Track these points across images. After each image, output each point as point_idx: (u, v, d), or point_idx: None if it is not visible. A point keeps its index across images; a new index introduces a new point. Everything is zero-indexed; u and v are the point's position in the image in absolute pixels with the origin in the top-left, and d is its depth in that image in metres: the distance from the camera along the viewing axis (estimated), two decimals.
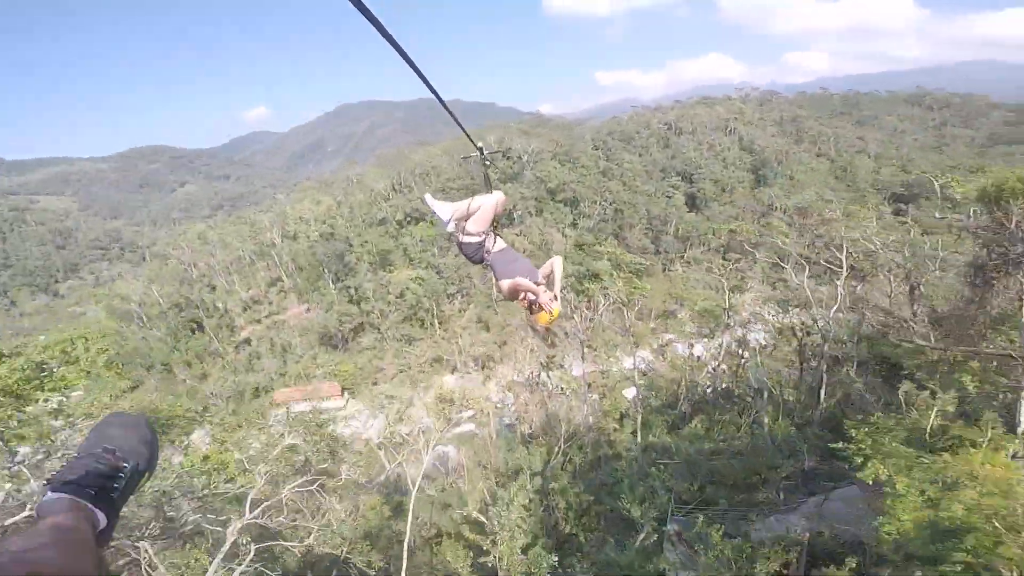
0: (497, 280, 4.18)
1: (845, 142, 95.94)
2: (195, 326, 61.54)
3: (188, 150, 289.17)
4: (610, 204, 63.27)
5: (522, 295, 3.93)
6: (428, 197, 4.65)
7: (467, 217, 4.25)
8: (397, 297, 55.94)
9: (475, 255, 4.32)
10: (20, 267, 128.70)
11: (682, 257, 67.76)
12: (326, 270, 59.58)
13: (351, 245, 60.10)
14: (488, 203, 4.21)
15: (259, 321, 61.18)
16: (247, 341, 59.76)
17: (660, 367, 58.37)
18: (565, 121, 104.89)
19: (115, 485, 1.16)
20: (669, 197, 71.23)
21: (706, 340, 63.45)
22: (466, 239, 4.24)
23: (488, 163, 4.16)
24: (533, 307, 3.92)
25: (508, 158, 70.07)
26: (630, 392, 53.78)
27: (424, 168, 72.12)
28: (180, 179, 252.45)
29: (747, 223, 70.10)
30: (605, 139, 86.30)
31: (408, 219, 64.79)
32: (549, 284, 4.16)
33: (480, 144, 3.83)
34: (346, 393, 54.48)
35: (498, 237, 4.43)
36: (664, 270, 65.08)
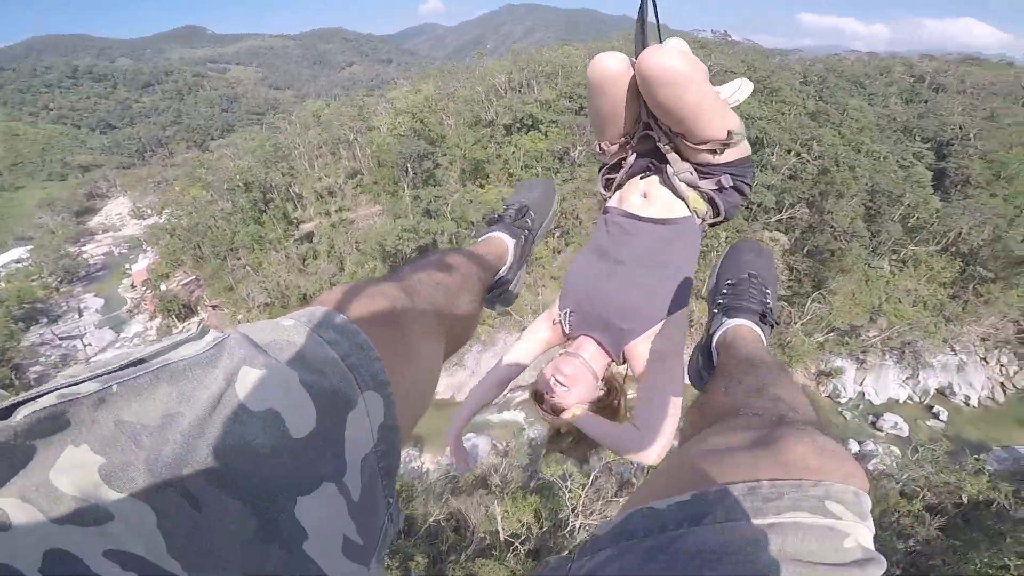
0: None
1: None
2: (264, 208, 54.47)
3: (360, 34, 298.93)
4: (815, 158, 42.02)
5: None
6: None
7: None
8: (482, 219, 42.53)
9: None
10: (185, 124, 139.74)
11: (895, 254, 44.98)
12: (410, 169, 47.72)
13: (439, 145, 47.17)
14: (590, 73, 1.63)
15: (328, 214, 52.12)
16: (309, 236, 51.27)
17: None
18: (761, 48, 78.67)
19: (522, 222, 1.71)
20: (905, 168, 47.52)
21: (904, 379, 42.13)
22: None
23: None
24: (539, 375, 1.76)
25: None
26: None
27: (555, 67, 55.42)
28: (348, 60, 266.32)
29: (1016, 229, 44.39)
30: (823, 75, 61.52)
31: (518, 124, 49.78)
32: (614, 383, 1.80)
33: None
34: None
35: (652, 178, 1.76)
36: (867, 265, 43.55)
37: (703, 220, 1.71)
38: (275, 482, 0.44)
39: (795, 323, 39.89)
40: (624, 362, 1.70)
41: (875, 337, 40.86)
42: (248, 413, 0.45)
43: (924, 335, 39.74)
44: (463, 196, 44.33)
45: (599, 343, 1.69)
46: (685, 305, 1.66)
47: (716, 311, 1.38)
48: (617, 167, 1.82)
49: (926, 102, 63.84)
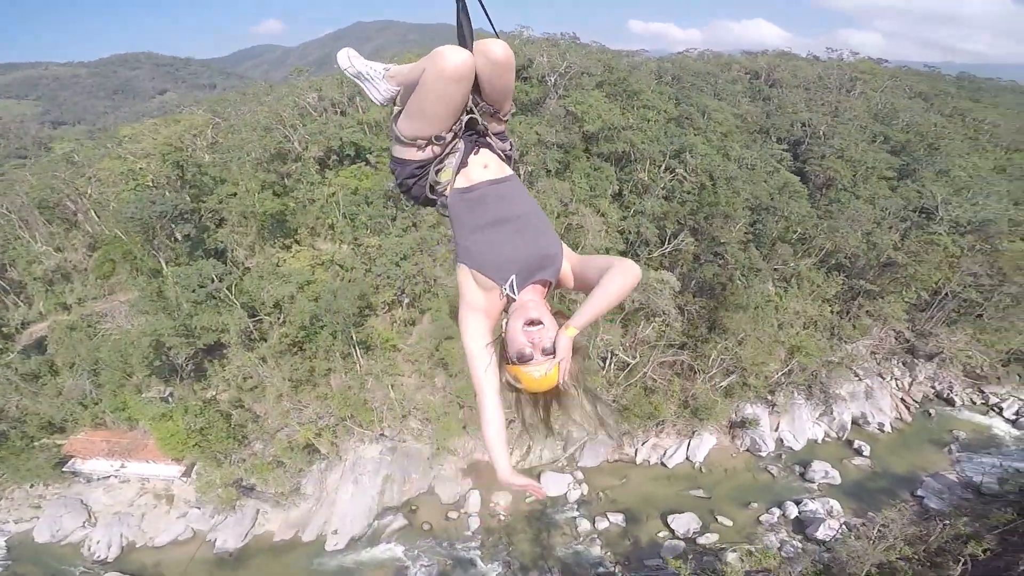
0: (458, 261, 1.99)
1: (1006, 133, 66.68)
2: None
3: (177, 58, 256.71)
4: (690, 172, 35.83)
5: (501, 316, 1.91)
6: (347, 54, 2.43)
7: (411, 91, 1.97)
8: (281, 303, 30.21)
9: (415, 187, 2.11)
10: None
11: (776, 271, 40.79)
12: (174, 233, 33.97)
13: (205, 199, 33.89)
14: (450, 65, 1.77)
15: (67, 308, 36.09)
16: (39, 344, 35.08)
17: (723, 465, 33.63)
18: (610, 50, 74.54)
19: None
20: (770, 174, 43.89)
21: (818, 416, 38.47)
22: (397, 148, 2.07)
23: None
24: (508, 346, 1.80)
25: (527, 78, 42.33)
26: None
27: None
28: (161, 87, 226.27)
29: (888, 233, 42.33)
30: (677, 75, 57.68)
31: (335, 157, 38.12)
32: (566, 307, 2.10)
33: None
34: (184, 463, 29.88)
35: (482, 151, 2.13)
36: (759, 294, 38.50)
37: None
38: None
39: (699, 374, 33.36)
40: (558, 285, 2.02)
41: (778, 372, 36.08)
42: None
43: (827, 365, 36.09)
44: (259, 268, 31.55)
45: (542, 281, 1.93)
46: None
47: None
48: (443, 155, 2.03)
49: (767, 99, 62.99)
